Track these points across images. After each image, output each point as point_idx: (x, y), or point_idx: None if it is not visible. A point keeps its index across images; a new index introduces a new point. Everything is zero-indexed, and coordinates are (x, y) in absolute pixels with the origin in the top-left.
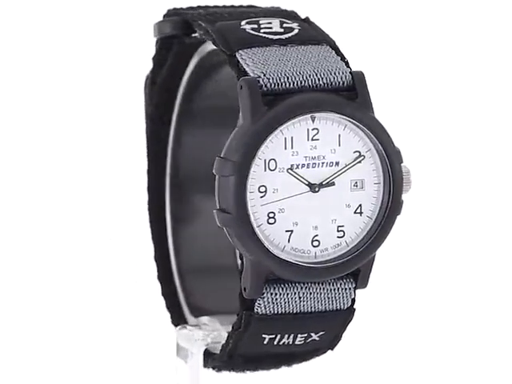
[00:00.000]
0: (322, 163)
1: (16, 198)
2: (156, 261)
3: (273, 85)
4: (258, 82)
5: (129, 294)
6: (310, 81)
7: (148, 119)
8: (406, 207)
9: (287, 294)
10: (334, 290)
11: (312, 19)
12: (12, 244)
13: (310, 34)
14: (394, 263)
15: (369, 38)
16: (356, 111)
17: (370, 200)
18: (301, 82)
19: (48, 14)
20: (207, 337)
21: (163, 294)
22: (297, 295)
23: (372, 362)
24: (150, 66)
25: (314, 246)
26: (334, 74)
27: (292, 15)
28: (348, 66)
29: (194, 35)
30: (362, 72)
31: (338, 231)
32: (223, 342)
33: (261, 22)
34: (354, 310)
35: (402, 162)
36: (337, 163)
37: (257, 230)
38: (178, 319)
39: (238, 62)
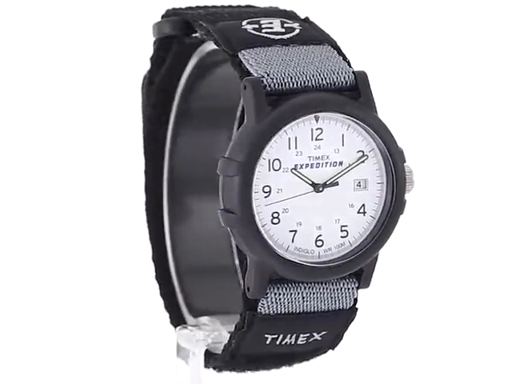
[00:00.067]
0: (326, 163)
1: (13, 197)
2: (154, 261)
3: (276, 85)
4: (262, 81)
5: (127, 295)
6: (313, 81)
7: (145, 119)
8: (408, 207)
9: (290, 294)
10: (337, 289)
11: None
12: (10, 245)
13: (312, 34)
14: (394, 263)
15: (366, 37)
16: (359, 111)
17: (373, 200)
18: (304, 82)
19: (47, 13)
20: (208, 337)
21: (161, 295)
22: (300, 295)
23: (372, 361)
24: (147, 66)
25: (318, 246)
26: (337, 73)
27: (292, 15)
28: (350, 66)
29: (194, 35)
30: (364, 72)
31: (341, 231)
32: (224, 342)
33: (262, 22)
34: (357, 309)
35: (404, 161)
36: (340, 163)
37: (261, 230)
38: (177, 319)
39: (241, 61)
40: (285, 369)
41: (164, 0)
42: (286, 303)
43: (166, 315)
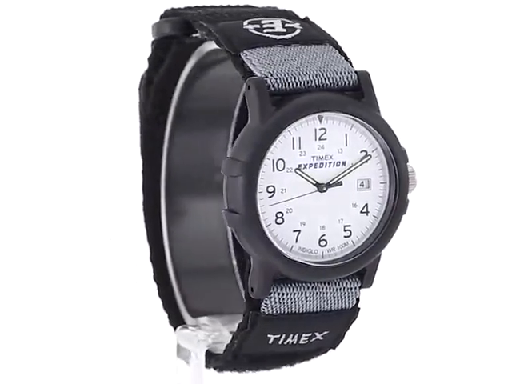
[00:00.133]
0: (330, 163)
1: (10, 196)
2: (152, 261)
3: (280, 85)
4: (266, 82)
5: (126, 295)
6: (316, 81)
7: (143, 119)
8: (410, 207)
9: (294, 294)
10: (340, 289)
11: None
12: (8, 246)
13: (313, 34)
14: (394, 262)
15: (363, 37)
16: (363, 111)
17: (376, 199)
18: (307, 82)
19: (45, 13)
20: (208, 337)
21: (160, 295)
22: (303, 295)
23: (373, 361)
24: (144, 66)
25: (321, 246)
26: (340, 73)
27: (291, 15)
28: (352, 66)
29: (194, 35)
30: (367, 72)
31: (344, 231)
32: (225, 342)
33: (263, 22)
34: (359, 309)
35: (407, 161)
36: (344, 163)
37: (266, 230)
38: (176, 319)
39: (243, 62)
40: (285, 369)
41: (163, 0)
42: (290, 303)
43: (165, 315)
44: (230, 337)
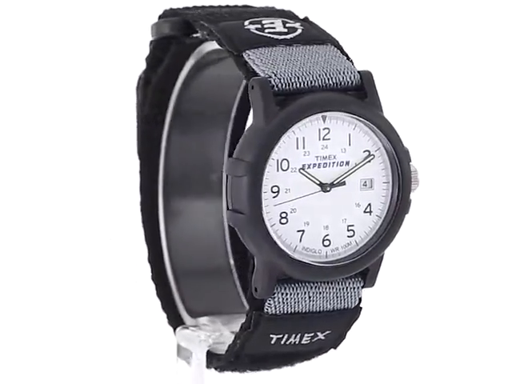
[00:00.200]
0: (333, 163)
1: (7, 197)
2: (150, 262)
3: (284, 85)
4: (270, 82)
5: (124, 296)
6: (319, 81)
7: (141, 119)
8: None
9: (297, 294)
10: (343, 289)
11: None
12: (6, 246)
13: (314, 34)
14: (396, 262)
15: (362, 37)
16: (366, 110)
17: (379, 199)
18: (311, 82)
19: (43, 12)
20: (209, 338)
21: (158, 295)
22: (307, 295)
23: (373, 361)
24: (141, 66)
25: (325, 246)
26: (343, 73)
27: (291, 15)
28: (354, 66)
29: (195, 36)
30: (369, 71)
31: (348, 230)
32: (226, 342)
33: (264, 22)
34: (361, 308)
35: (410, 160)
36: (347, 163)
37: (270, 230)
38: (175, 320)
39: (246, 62)
40: (285, 368)
41: (161, 0)
42: (293, 303)
43: (164, 316)
44: (231, 337)
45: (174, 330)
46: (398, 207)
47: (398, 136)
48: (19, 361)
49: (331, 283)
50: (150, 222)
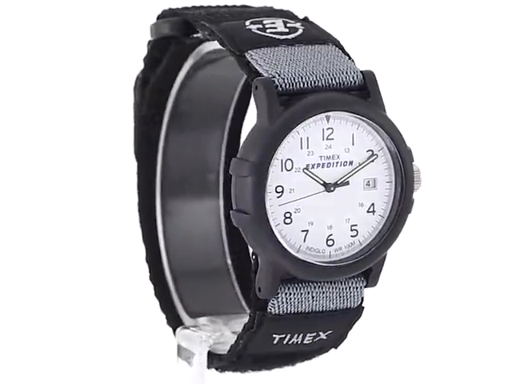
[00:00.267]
0: (337, 163)
1: (5, 197)
2: (148, 262)
3: (287, 85)
4: (274, 82)
5: (122, 296)
6: (323, 80)
7: (138, 119)
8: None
9: (301, 294)
10: (346, 288)
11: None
12: (3, 247)
13: (315, 34)
14: (398, 261)
15: (360, 36)
16: (369, 110)
17: (382, 199)
18: (314, 82)
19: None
20: (209, 338)
21: (157, 296)
22: (310, 294)
23: (374, 360)
24: (138, 66)
25: (329, 246)
26: (346, 73)
27: (290, 15)
28: (356, 66)
29: (195, 36)
30: (372, 71)
31: (351, 230)
32: (227, 342)
33: (265, 22)
34: (363, 308)
35: (413, 160)
36: (350, 162)
37: (274, 230)
38: (174, 320)
39: (249, 62)
40: (286, 368)
41: (159, 0)
42: (296, 303)
43: (163, 316)
44: (232, 337)
45: (174, 330)
46: (401, 207)
47: (401, 136)
48: (19, 361)
49: (334, 283)
50: (148, 222)
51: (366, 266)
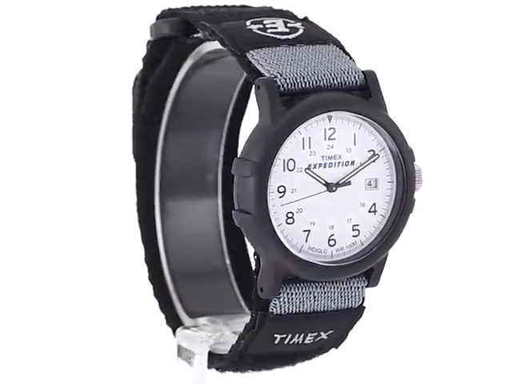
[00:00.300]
0: (338, 163)
1: (4, 197)
2: (146, 262)
3: (289, 85)
4: (275, 82)
5: (121, 297)
6: (324, 80)
7: (137, 120)
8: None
9: (302, 294)
10: (347, 288)
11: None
12: (1, 247)
13: (316, 34)
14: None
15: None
16: (371, 110)
17: (384, 199)
18: (316, 82)
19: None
20: (210, 338)
21: (156, 296)
22: (312, 294)
23: (374, 360)
24: (135, 66)
25: (331, 246)
26: (347, 73)
27: (290, 15)
28: (357, 66)
29: (195, 36)
30: (373, 71)
31: (353, 230)
32: (227, 342)
33: (265, 22)
34: (364, 308)
35: (414, 160)
36: (352, 162)
37: (277, 230)
38: (173, 320)
39: (250, 62)
40: (286, 368)
41: (158, 0)
42: (298, 303)
43: (163, 316)
44: (232, 337)
45: (173, 330)
46: (403, 207)
47: (403, 135)
48: (19, 361)
49: (336, 283)
50: (147, 222)
51: (367, 265)
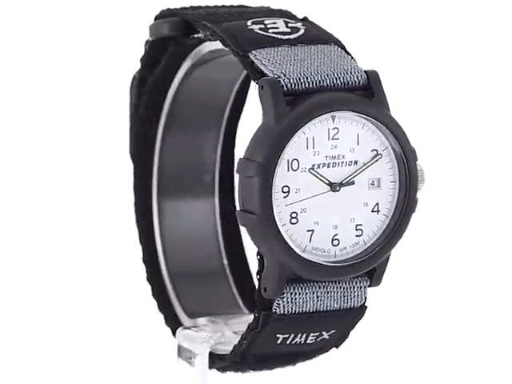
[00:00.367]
0: (342, 162)
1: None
2: (144, 262)
3: (293, 85)
4: (279, 82)
5: (120, 297)
6: (328, 80)
7: (135, 120)
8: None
9: (306, 294)
10: (350, 288)
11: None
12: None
13: (317, 34)
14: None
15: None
16: (374, 110)
17: (387, 198)
18: (319, 82)
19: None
20: (210, 338)
21: (154, 296)
22: (315, 294)
23: (374, 360)
24: (131, 66)
25: (334, 245)
26: (350, 73)
27: (290, 15)
28: (359, 65)
29: (196, 36)
30: (376, 71)
31: (356, 230)
32: (228, 342)
33: (266, 22)
34: (366, 307)
35: (417, 160)
36: (355, 162)
37: (281, 230)
38: (173, 320)
39: (253, 62)
40: (287, 368)
41: (156, 0)
42: (301, 303)
43: (162, 316)
44: (233, 337)
45: (173, 330)
46: (405, 206)
47: (405, 135)
48: (19, 361)
49: (339, 282)
50: (144, 222)
51: (370, 265)
